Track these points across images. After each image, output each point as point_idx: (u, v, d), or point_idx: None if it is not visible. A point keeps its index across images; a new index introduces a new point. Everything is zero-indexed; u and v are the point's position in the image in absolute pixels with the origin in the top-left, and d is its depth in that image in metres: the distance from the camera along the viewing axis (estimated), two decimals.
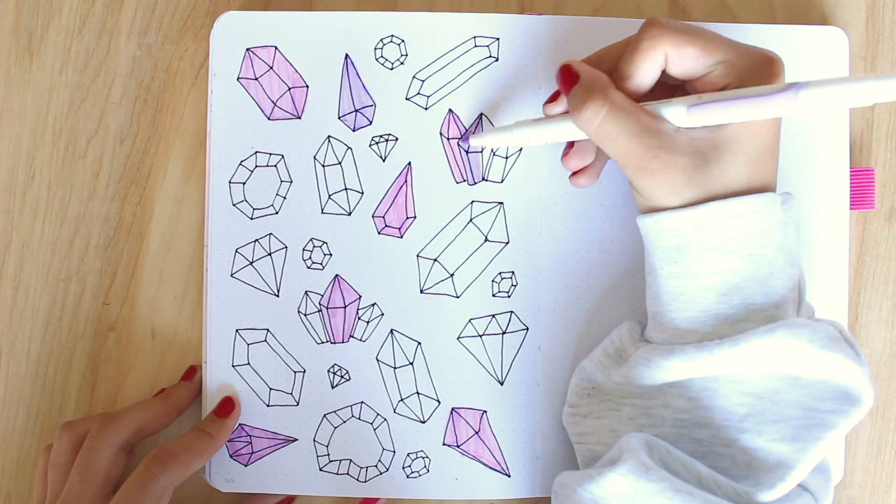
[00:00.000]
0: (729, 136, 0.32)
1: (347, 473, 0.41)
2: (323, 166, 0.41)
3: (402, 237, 0.41)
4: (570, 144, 0.37)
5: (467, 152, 0.41)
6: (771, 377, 0.33)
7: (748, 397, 0.33)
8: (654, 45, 0.33)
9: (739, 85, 0.32)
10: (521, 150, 0.41)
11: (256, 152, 0.41)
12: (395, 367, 0.41)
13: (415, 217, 0.41)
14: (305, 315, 0.41)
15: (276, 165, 0.41)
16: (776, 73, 0.32)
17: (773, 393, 0.33)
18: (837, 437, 0.32)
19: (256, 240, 0.41)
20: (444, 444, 0.41)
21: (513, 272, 0.41)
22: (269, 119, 0.41)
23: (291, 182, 0.41)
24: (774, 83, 0.31)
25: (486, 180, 0.41)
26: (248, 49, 0.41)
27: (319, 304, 0.41)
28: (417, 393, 0.41)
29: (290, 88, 0.41)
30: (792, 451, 0.32)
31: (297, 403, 0.41)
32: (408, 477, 0.41)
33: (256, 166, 0.41)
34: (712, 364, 0.32)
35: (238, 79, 0.41)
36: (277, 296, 0.41)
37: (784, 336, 0.31)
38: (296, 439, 0.41)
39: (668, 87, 0.36)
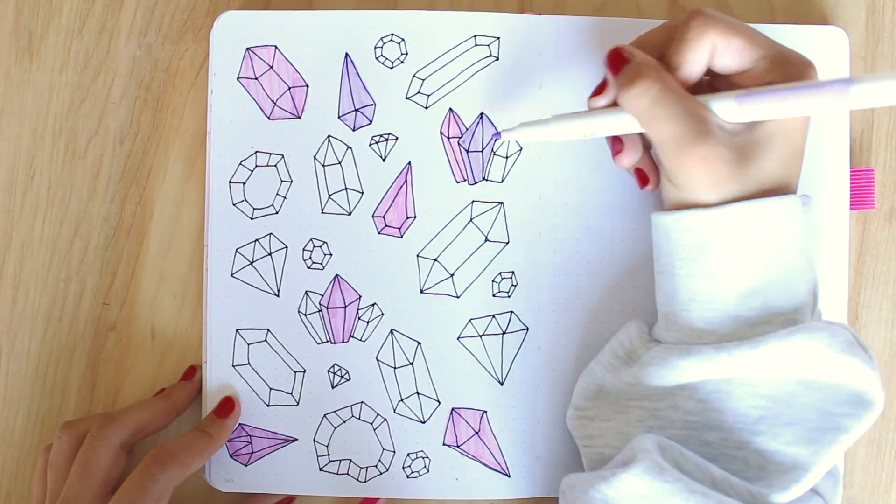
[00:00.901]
0: (765, 135, 0.32)
1: (347, 473, 0.41)
2: (323, 166, 0.41)
3: (402, 237, 0.41)
4: (618, 143, 0.36)
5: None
6: (787, 380, 0.33)
7: (763, 400, 0.33)
8: (702, 34, 0.32)
9: (783, 81, 0.32)
10: (520, 149, 0.41)
11: (256, 152, 0.41)
12: (395, 367, 0.41)
13: (415, 217, 0.41)
14: (305, 315, 0.41)
15: (276, 165, 0.41)
16: (813, 76, 0.33)
17: (788, 396, 0.33)
18: (850, 441, 0.32)
19: (256, 240, 0.41)
20: (444, 444, 0.41)
21: (513, 272, 0.41)
22: (269, 119, 0.41)
23: (291, 182, 0.41)
24: None
25: (487, 180, 0.41)
26: (248, 49, 0.41)
27: (319, 304, 0.41)
28: (417, 393, 0.41)
29: (290, 88, 0.41)
30: (807, 454, 0.32)
31: (297, 403, 0.41)
32: (408, 477, 0.41)
33: (256, 166, 0.41)
34: (730, 366, 0.32)
35: (238, 78, 0.41)
36: (277, 296, 0.41)
37: (804, 339, 0.31)
38: (296, 439, 0.41)
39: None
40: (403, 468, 0.41)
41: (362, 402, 0.41)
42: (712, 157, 0.32)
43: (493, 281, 0.41)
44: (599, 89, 0.35)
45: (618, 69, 0.34)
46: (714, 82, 0.35)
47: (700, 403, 0.34)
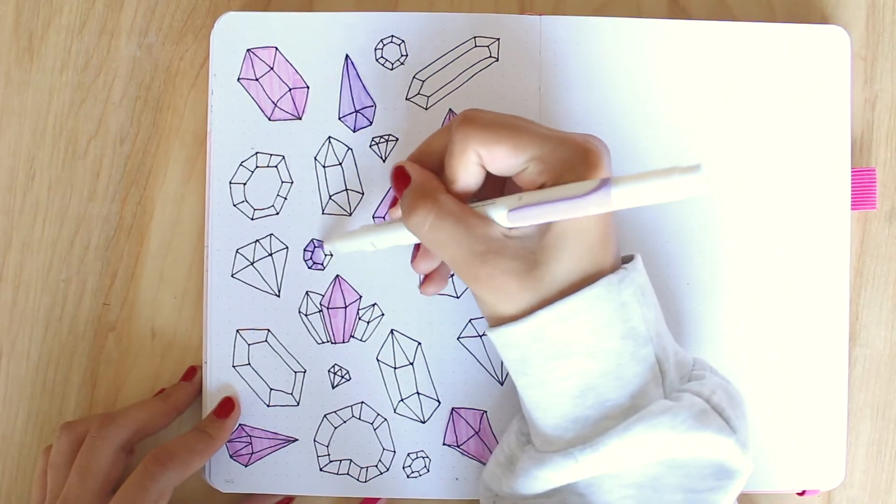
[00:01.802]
0: (557, 235, 0.30)
1: (348, 473, 0.41)
2: (323, 167, 0.41)
3: None
4: (416, 248, 0.36)
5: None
6: (649, 464, 0.32)
7: (630, 489, 0.32)
8: (465, 147, 0.31)
9: (555, 181, 0.30)
10: None
11: (257, 153, 0.41)
12: (395, 368, 0.41)
13: None
14: (306, 315, 0.41)
15: (276, 166, 0.41)
16: (592, 163, 0.30)
17: (652, 480, 0.32)
18: None
19: (257, 240, 0.41)
20: (444, 444, 0.41)
21: None
22: (269, 120, 0.41)
23: (292, 183, 0.41)
24: (593, 175, 0.30)
25: None
26: (248, 49, 0.41)
27: (320, 305, 0.41)
28: (418, 393, 0.41)
29: (290, 89, 0.41)
30: None
31: (298, 403, 0.41)
32: (408, 477, 0.41)
33: (257, 167, 0.41)
34: (580, 471, 0.31)
35: (238, 79, 0.41)
36: (278, 296, 0.41)
37: (643, 430, 0.30)
38: (296, 439, 0.41)
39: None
40: (404, 468, 0.41)
41: (363, 403, 0.41)
42: (497, 274, 0.31)
43: None
44: (394, 201, 0.35)
45: (400, 188, 0.33)
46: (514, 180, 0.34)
47: (581, 498, 0.33)
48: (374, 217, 0.41)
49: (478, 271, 0.31)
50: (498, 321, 0.32)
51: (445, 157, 0.33)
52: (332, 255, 0.41)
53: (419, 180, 0.33)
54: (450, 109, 0.41)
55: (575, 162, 0.30)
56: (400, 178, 0.34)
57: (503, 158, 0.31)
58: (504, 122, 0.32)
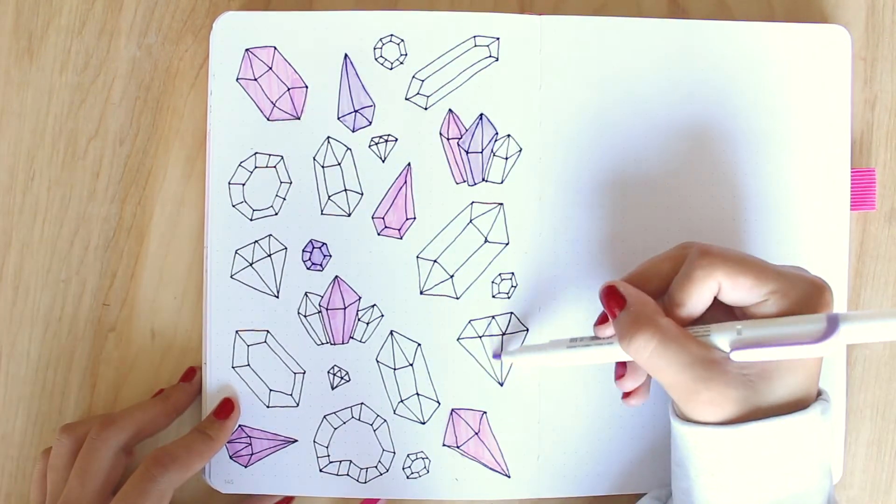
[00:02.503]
0: (780, 365, 0.31)
1: (347, 474, 0.41)
2: (322, 167, 0.41)
3: (401, 238, 0.41)
4: (621, 367, 0.37)
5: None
6: None
7: None
8: (708, 274, 0.32)
9: (790, 313, 0.32)
10: (520, 149, 0.41)
11: (256, 153, 0.41)
12: (394, 369, 0.41)
13: (414, 218, 0.41)
14: (305, 316, 0.41)
15: (275, 166, 0.41)
16: (825, 302, 0.32)
17: None
18: None
19: (256, 241, 0.41)
20: (443, 445, 0.41)
21: (513, 273, 0.41)
22: (268, 120, 0.41)
23: (291, 183, 0.41)
24: (822, 311, 0.31)
25: (486, 181, 0.41)
26: (247, 49, 0.41)
27: (319, 306, 0.41)
28: (417, 394, 0.41)
29: (289, 89, 0.41)
30: None
31: (297, 404, 0.41)
32: (408, 478, 0.41)
33: (256, 167, 0.41)
34: None
35: (237, 79, 0.41)
36: (277, 297, 0.41)
37: None
38: (296, 440, 0.41)
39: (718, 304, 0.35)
40: (403, 469, 0.41)
41: (362, 404, 0.41)
42: (718, 399, 0.31)
43: (492, 282, 0.41)
44: (602, 319, 0.35)
45: (613, 309, 0.34)
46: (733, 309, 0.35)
47: None
48: (373, 218, 0.41)
49: (699, 395, 0.32)
50: (693, 420, 0.33)
51: (679, 281, 0.33)
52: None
53: (637, 303, 0.33)
54: (449, 110, 0.41)
55: (810, 298, 0.32)
56: (612, 297, 0.34)
57: (745, 290, 0.32)
58: (743, 257, 0.33)
